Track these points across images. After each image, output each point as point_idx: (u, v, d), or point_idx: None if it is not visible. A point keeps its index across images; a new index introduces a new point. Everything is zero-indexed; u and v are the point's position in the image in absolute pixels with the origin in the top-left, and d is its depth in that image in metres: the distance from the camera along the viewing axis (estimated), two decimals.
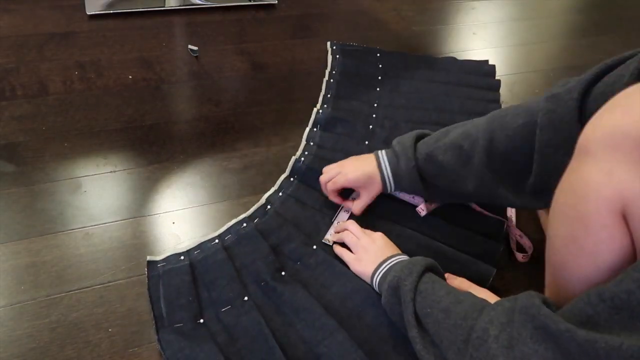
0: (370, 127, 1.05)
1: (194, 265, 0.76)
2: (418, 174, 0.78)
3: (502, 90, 1.22)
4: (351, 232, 0.80)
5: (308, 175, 0.92)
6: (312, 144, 1.01)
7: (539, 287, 0.80)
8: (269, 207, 0.87)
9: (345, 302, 0.73)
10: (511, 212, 0.90)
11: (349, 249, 0.79)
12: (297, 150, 0.99)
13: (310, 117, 1.08)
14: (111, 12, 1.35)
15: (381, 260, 0.72)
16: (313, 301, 0.72)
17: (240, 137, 1.04)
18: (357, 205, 0.84)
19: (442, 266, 0.71)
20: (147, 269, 0.75)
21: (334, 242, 0.82)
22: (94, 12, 1.33)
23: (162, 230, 0.84)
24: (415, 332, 0.61)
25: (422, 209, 0.86)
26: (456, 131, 0.76)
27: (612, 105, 0.47)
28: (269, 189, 0.91)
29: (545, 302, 0.50)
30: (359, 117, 1.08)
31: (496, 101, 1.17)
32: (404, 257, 0.72)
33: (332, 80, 1.19)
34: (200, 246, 0.80)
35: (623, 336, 0.42)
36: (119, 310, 0.72)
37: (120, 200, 0.87)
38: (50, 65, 1.15)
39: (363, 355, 0.66)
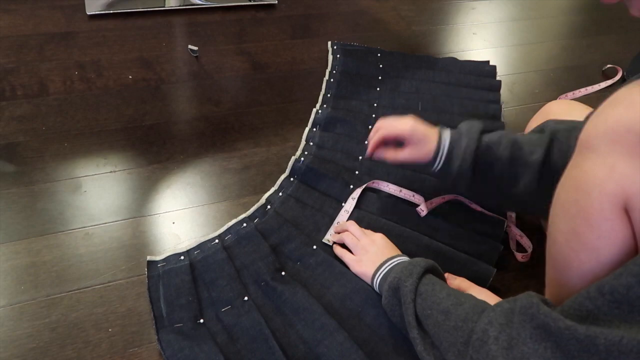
0: (370, 127, 1.05)
1: (194, 265, 0.76)
2: (473, 160, 0.74)
3: (502, 90, 1.22)
4: (351, 233, 0.79)
5: (308, 175, 0.92)
6: (311, 144, 1.01)
7: (539, 287, 0.80)
8: (269, 207, 0.87)
9: (345, 303, 0.73)
10: (511, 212, 0.90)
11: (349, 249, 0.79)
12: (297, 150, 0.99)
13: (310, 117, 1.08)
14: (111, 12, 1.35)
15: (381, 261, 0.72)
16: (313, 301, 0.72)
17: (240, 137, 1.04)
18: (400, 155, 0.79)
19: (442, 266, 0.71)
20: (147, 269, 0.75)
21: (334, 243, 0.82)
22: (94, 12, 1.33)
23: (162, 230, 0.84)
24: (416, 333, 0.61)
25: (422, 209, 0.86)
26: (517, 137, 0.75)
27: (614, 100, 0.48)
28: (269, 189, 0.91)
29: (544, 302, 0.50)
30: (358, 117, 1.08)
31: (496, 102, 1.17)
32: (405, 258, 0.72)
33: (332, 80, 1.19)
34: (200, 246, 0.80)
35: (623, 329, 0.42)
36: (119, 310, 0.72)
37: (120, 200, 0.87)
38: (50, 65, 1.15)
39: (363, 356, 0.66)
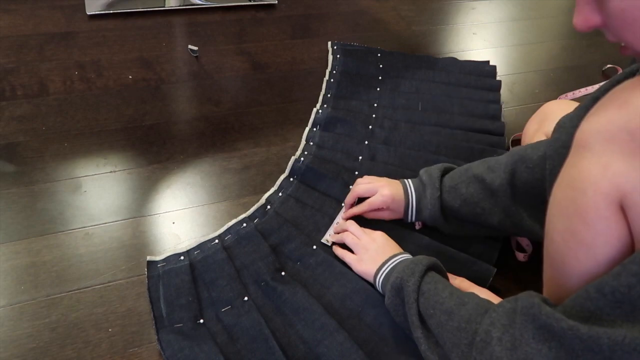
0: (370, 127, 1.05)
1: (194, 265, 0.76)
2: (440, 206, 0.78)
3: (502, 90, 1.22)
4: (351, 232, 0.80)
5: (308, 175, 0.92)
6: (311, 144, 1.01)
7: (540, 286, 0.80)
8: (268, 207, 0.87)
9: (345, 303, 0.73)
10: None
11: (349, 249, 0.79)
12: (297, 150, 0.99)
13: (310, 117, 1.08)
14: (111, 12, 1.35)
15: (383, 259, 0.72)
16: (313, 301, 0.72)
17: (240, 137, 1.04)
18: (380, 215, 0.83)
19: None
20: (147, 269, 0.75)
21: (334, 243, 0.82)
22: (94, 12, 1.33)
23: (162, 230, 0.84)
24: (419, 332, 0.61)
25: (418, 224, 0.85)
26: (479, 166, 0.77)
27: (608, 100, 0.48)
28: (269, 189, 0.91)
29: (545, 301, 0.50)
30: (358, 117, 1.08)
31: (496, 102, 1.17)
32: (406, 256, 0.72)
33: (332, 80, 1.19)
34: (200, 246, 0.80)
35: (626, 328, 0.42)
36: (119, 310, 0.72)
37: (120, 200, 0.87)
38: (50, 65, 1.15)
39: (363, 356, 0.66)
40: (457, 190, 0.77)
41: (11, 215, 0.83)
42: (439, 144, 1.00)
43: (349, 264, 0.77)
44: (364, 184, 0.84)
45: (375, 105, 1.12)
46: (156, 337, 0.67)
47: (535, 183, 0.69)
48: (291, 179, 0.93)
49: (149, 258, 0.77)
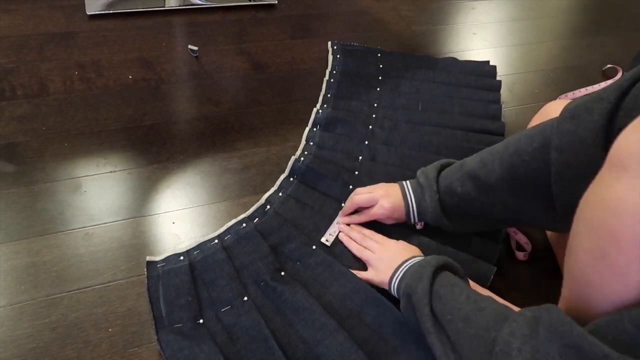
0: (370, 127, 1.05)
1: (194, 265, 0.76)
2: (440, 207, 0.77)
3: (502, 90, 1.22)
4: (367, 248, 0.79)
5: (308, 175, 0.92)
6: (311, 144, 1.01)
7: (539, 286, 0.81)
8: (268, 207, 0.87)
9: (345, 302, 0.73)
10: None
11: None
12: (297, 150, 0.99)
13: (310, 117, 1.08)
14: (111, 12, 1.35)
15: (397, 265, 0.71)
16: (313, 301, 0.72)
17: (240, 137, 1.04)
18: (385, 221, 0.83)
19: None
20: (147, 269, 0.75)
21: (336, 242, 0.81)
22: (94, 12, 1.33)
23: (162, 230, 0.84)
24: (433, 338, 0.60)
25: (420, 224, 0.85)
26: (472, 161, 0.75)
27: None
28: (269, 189, 0.91)
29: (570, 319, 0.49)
30: (359, 117, 1.08)
31: (497, 102, 1.17)
32: (418, 259, 0.71)
33: (332, 80, 1.19)
34: (199, 246, 0.80)
35: None
36: (119, 310, 0.72)
37: (120, 200, 0.87)
38: (50, 65, 1.15)
39: (363, 356, 0.66)
40: (452, 189, 0.76)
41: (11, 215, 0.83)
42: (439, 144, 1.00)
43: (364, 278, 0.75)
44: (363, 194, 0.83)
45: (376, 105, 1.12)
46: (156, 337, 0.67)
47: (532, 174, 0.67)
48: (291, 179, 0.93)
49: (148, 258, 0.77)
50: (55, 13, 1.33)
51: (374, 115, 1.09)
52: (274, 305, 0.72)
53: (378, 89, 1.17)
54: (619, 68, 1.35)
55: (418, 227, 0.84)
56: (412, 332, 0.68)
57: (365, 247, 0.79)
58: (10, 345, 0.67)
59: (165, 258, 0.77)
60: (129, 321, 0.71)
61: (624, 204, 0.45)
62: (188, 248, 0.79)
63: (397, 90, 1.17)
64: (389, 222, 0.83)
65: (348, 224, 0.84)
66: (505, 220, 0.76)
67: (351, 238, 0.82)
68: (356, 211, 0.85)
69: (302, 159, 0.96)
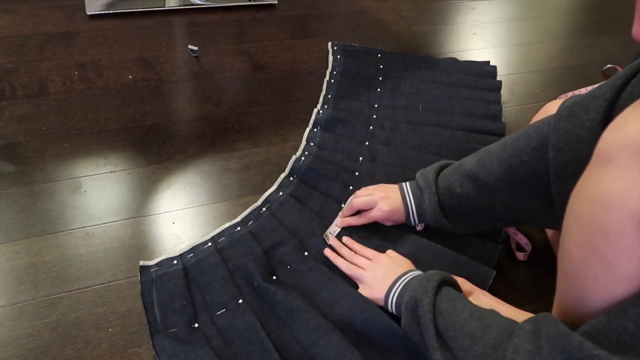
0: (371, 127, 1.05)
1: (187, 269, 0.76)
2: (440, 208, 0.77)
3: (502, 90, 1.22)
4: (356, 264, 0.77)
5: (308, 175, 0.92)
6: (312, 144, 1.01)
7: (539, 286, 0.81)
8: (264, 209, 0.87)
9: (333, 308, 0.72)
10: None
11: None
12: (297, 151, 0.99)
13: (310, 117, 1.08)
14: (111, 12, 1.35)
15: (392, 280, 0.70)
16: (307, 302, 0.72)
17: (240, 137, 1.04)
18: (384, 223, 0.83)
19: (441, 268, 0.70)
20: (140, 274, 0.75)
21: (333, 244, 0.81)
22: (94, 12, 1.33)
23: (162, 230, 0.84)
24: (438, 354, 0.59)
25: (420, 225, 0.84)
26: (470, 161, 0.75)
27: (636, 110, 0.46)
28: (269, 189, 0.91)
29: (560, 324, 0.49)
30: (359, 117, 1.08)
31: (497, 102, 1.17)
32: (416, 273, 0.70)
33: (332, 81, 1.19)
34: (193, 249, 0.79)
35: None
36: (119, 310, 0.72)
37: (120, 200, 0.87)
38: (50, 65, 1.15)
39: (359, 356, 0.65)
40: (451, 190, 0.76)
41: (11, 215, 0.83)
42: (439, 144, 1.00)
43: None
44: (362, 197, 0.82)
45: (376, 105, 1.12)
46: (151, 342, 0.67)
47: (531, 173, 0.66)
48: (291, 178, 0.93)
49: (141, 263, 0.76)
50: (55, 13, 1.33)
51: (374, 116, 1.09)
52: (268, 307, 0.72)
53: (378, 89, 1.17)
54: (619, 68, 1.35)
55: (418, 228, 0.84)
56: (401, 338, 0.67)
57: (356, 264, 0.77)
58: (10, 345, 0.67)
59: (158, 262, 0.77)
60: (129, 321, 0.71)
61: (610, 196, 0.45)
62: (181, 252, 0.79)
63: (398, 90, 1.17)
64: (389, 223, 0.83)
65: (347, 226, 0.84)
66: (505, 220, 0.76)
67: (340, 255, 0.80)
68: (356, 212, 0.85)
69: (302, 159, 0.96)
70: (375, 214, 0.81)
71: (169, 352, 0.65)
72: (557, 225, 0.64)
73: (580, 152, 0.57)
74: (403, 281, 0.69)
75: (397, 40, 1.42)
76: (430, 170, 0.80)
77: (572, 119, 0.59)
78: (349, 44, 1.34)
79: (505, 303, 0.70)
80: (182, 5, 1.41)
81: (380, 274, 0.73)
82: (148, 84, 1.14)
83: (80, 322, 0.70)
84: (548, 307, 0.60)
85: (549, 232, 0.88)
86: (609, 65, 1.37)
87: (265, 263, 0.77)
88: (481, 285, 0.74)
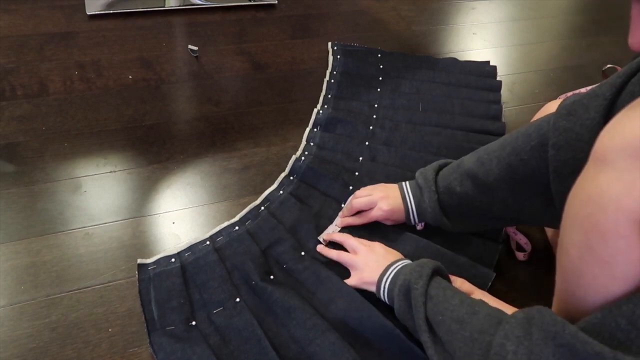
0: (371, 127, 1.05)
1: (185, 267, 0.76)
2: (440, 208, 0.77)
3: (502, 90, 1.22)
4: (348, 247, 0.78)
5: (308, 174, 0.92)
6: (312, 144, 1.01)
7: (539, 286, 0.81)
8: (262, 208, 0.87)
9: (329, 307, 0.72)
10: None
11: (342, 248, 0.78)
12: (297, 150, 0.99)
13: (310, 117, 1.08)
14: (111, 12, 1.35)
15: (385, 266, 0.71)
16: (304, 301, 0.72)
17: (240, 137, 1.04)
18: (384, 222, 0.84)
19: None
20: (138, 272, 0.75)
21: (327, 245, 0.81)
22: (94, 12, 1.33)
23: (162, 230, 0.84)
24: (426, 336, 0.60)
25: (420, 225, 0.85)
26: (470, 160, 0.75)
27: (632, 111, 0.46)
28: (268, 189, 0.91)
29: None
30: (359, 117, 1.08)
31: (497, 102, 1.17)
32: (408, 261, 0.71)
33: (332, 81, 1.19)
34: (191, 248, 0.79)
35: None
36: (119, 310, 0.72)
37: (120, 200, 0.87)
38: (50, 65, 1.15)
39: (355, 355, 0.66)
40: (451, 189, 0.76)
41: (11, 215, 0.83)
42: (439, 144, 1.00)
43: (353, 286, 0.74)
44: (362, 197, 0.83)
45: (376, 105, 1.12)
46: (148, 340, 0.67)
47: (531, 172, 0.66)
48: (291, 178, 0.93)
49: (139, 261, 0.76)
50: (55, 13, 1.33)
51: (374, 116, 1.09)
52: (266, 306, 0.72)
53: (378, 89, 1.17)
54: (618, 68, 1.35)
55: (418, 227, 0.84)
56: (396, 336, 0.68)
57: (347, 248, 0.78)
58: (10, 345, 0.67)
59: (156, 260, 0.77)
60: (129, 321, 0.71)
61: (606, 196, 0.46)
62: (179, 250, 0.79)
63: (398, 90, 1.17)
64: (389, 223, 0.83)
65: (347, 226, 0.84)
66: (505, 219, 0.76)
67: (335, 240, 0.81)
68: (356, 213, 0.85)
69: (302, 159, 0.96)
70: (375, 214, 0.81)
71: (166, 349, 0.65)
72: (557, 224, 0.64)
73: (580, 151, 0.57)
74: (396, 267, 0.70)
75: (397, 40, 1.42)
76: (429, 169, 0.80)
77: (572, 117, 0.59)
78: (349, 44, 1.34)
79: (505, 304, 0.70)
80: (182, 5, 1.41)
81: (372, 260, 0.74)
82: (148, 84, 1.14)
83: (80, 322, 0.70)
84: (548, 307, 0.60)
85: (549, 232, 0.88)
86: (609, 65, 1.37)
87: (263, 262, 0.77)
88: (481, 286, 0.74)
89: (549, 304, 0.60)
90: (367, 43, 1.36)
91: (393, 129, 1.05)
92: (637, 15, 0.46)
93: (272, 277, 0.76)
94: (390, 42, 1.40)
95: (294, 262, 0.78)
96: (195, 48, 1.25)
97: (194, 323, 0.69)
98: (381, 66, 1.25)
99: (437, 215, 0.78)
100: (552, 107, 0.95)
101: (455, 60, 1.29)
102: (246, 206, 0.88)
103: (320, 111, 1.08)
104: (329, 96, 1.14)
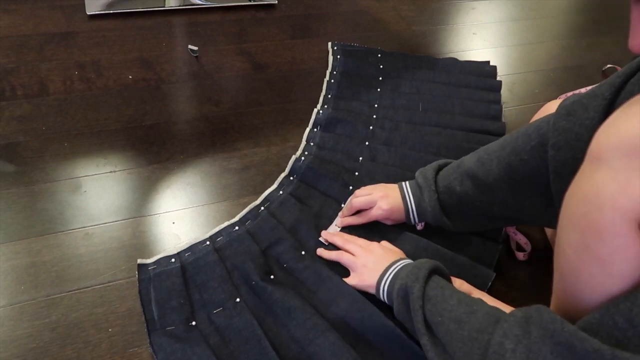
0: (371, 127, 1.05)
1: (185, 267, 0.76)
2: (440, 207, 0.77)
3: (502, 90, 1.22)
4: (348, 251, 0.78)
5: (308, 174, 0.92)
6: (312, 144, 1.01)
7: (539, 286, 0.81)
8: (262, 208, 0.87)
9: (330, 307, 0.72)
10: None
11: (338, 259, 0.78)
12: (297, 150, 0.99)
13: (310, 117, 1.08)
14: (111, 12, 1.35)
15: (384, 268, 0.71)
16: (304, 301, 0.72)
17: (240, 137, 1.04)
18: (385, 222, 0.83)
19: None
20: (138, 272, 0.75)
21: (327, 245, 0.81)
22: (94, 12, 1.33)
23: (162, 230, 0.84)
24: (425, 339, 0.60)
25: (420, 225, 0.84)
26: (470, 160, 0.75)
27: (628, 110, 0.46)
28: (268, 189, 0.91)
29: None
30: (359, 117, 1.08)
31: (497, 102, 1.17)
32: (407, 261, 0.71)
33: (332, 81, 1.19)
34: (191, 248, 0.79)
35: None
36: (119, 310, 0.72)
37: (120, 200, 0.87)
38: (50, 65, 1.15)
39: (355, 355, 0.66)
40: (451, 189, 0.76)
41: (11, 215, 0.83)
42: (439, 144, 1.00)
43: (353, 286, 0.74)
44: (362, 197, 0.82)
45: (376, 105, 1.12)
46: (148, 340, 0.67)
47: (531, 172, 0.67)
48: (291, 178, 0.93)
49: (139, 261, 0.76)
50: (55, 13, 1.33)
51: (374, 116, 1.09)
52: (266, 306, 0.72)
53: (378, 89, 1.17)
54: (618, 68, 1.35)
55: (419, 227, 0.84)
56: (397, 337, 0.68)
57: (347, 251, 0.78)
58: (10, 345, 0.67)
59: (156, 260, 0.77)
60: (129, 321, 0.71)
61: (602, 195, 0.46)
62: (179, 250, 0.79)
63: (398, 90, 1.17)
64: (389, 222, 0.83)
65: (347, 226, 0.84)
66: (505, 219, 0.76)
67: (334, 243, 0.81)
68: (356, 212, 0.85)
69: (302, 159, 0.96)
70: (374, 213, 0.81)
71: (166, 350, 0.65)
72: (557, 224, 0.64)
73: (580, 151, 0.57)
74: (394, 269, 0.69)
75: (397, 40, 1.42)
76: (429, 169, 0.80)
77: (571, 117, 0.59)
78: (349, 44, 1.34)
79: (504, 304, 0.70)
80: (182, 5, 1.41)
81: (371, 262, 0.73)
82: (148, 84, 1.14)
83: (80, 322, 0.70)
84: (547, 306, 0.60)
85: (549, 232, 0.88)
86: (608, 65, 1.37)
87: (263, 262, 0.77)
88: (480, 287, 0.74)
89: (548, 303, 0.60)
90: (367, 43, 1.36)
91: (393, 129, 1.05)
92: (637, 18, 0.46)
93: (272, 276, 0.76)
94: (390, 42, 1.40)
95: (294, 262, 0.78)
96: (195, 48, 1.25)
97: (194, 323, 0.69)
98: (381, 66, 1.25)
99: (437, 215, 0.78)
100: (552, 107, 0.95)
101: (455, 60, 1.29)
102: (246, 206, 0.88)
103: (320, 111, 1.09)
104: (329, 96, 1.14)
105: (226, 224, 0.84)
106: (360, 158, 0.97)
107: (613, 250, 0.47)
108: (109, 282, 0.75)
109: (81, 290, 0.74)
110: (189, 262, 0.77)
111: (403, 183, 0.82)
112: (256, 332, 0.68)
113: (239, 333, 0.68)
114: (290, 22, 1.44)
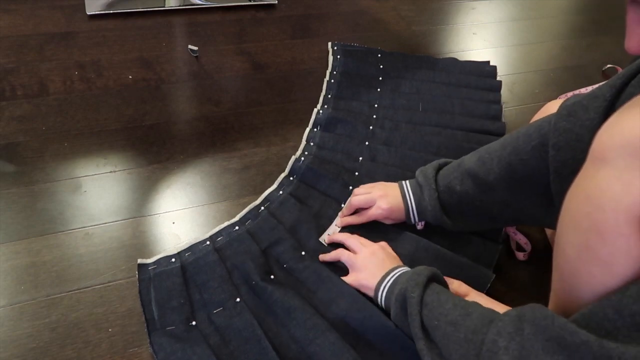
0: (371, 127, 1.05)
1: (185, 267, 0.76)
2: (440, 206, 0.77)
3: (502, 90, 1.22)
4: (349, 246, 0.78)
5: (308, 175, 0.92)
6: (312, 144, 1.01)
7: (539, 286, 0.81)
8: (262, 208, 0.87)
9: (330, 307, 0.72)
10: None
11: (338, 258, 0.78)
12: (297, 150, 0.99)
13: (310, 117, 1.08)
14: (111, 12, 1.35)
15: (383, 273, 0.71)
16: (304, 301, 0.72)
17: (240, 137, 1.04)
18: (384, 222, 0.83)
19: (440, 270, 0.69)
20: (138, 272, 0.75)
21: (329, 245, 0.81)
22: (94, 12, 1.33)
23: (162, 230, 0.84)
24: (422, 344, 0.60)
25: (420, 224, 0.84)
26: (470, 160, 0.75)
27: (631, 110, 0.46)
28: (268, 189, 0.91)
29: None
30: (359, 117, 1.08)
31: (497, 102, 1.17)
32: (406, 268, 0.71)
33: (332, 81, 1.19)
34: (191, 248, 0.79)
35: None
36: (119, 310, 0.72)
37: (120, 200, 0.87)
38: (50, 65, 1.15)
39: (355, 355, 0.66)
40: (451, 188, 0.76)
41: (11, 215, 0.83)
42: (439, 144, 1.00)
43: (350, 285, 0.74)
44: (361, 195, 0.82)
45: (376, 105, 1.12)
46: (148, 340, 0.67)
47: (531, 172, 0.67)
48: (291, 178, 0.93)
49: (139, 261, 0.76)
50: (55, 13, 1.33)
51: (374, 116, 1.09)
52: (266, 306, 0.72)
53: (378, 89, 1.17)
54: (619, 68, 1.35)
55: (419, 227, 0.84)
56: (397, 337, 0.68)
57: (349, 246, 0.78)
58: (10, 345, 0.67)
59: (156, 260, 0.77)
60: (129, 321, 0.71)
61: (605, 195, 0.46)
62: (179, 250, 0.79)
63: (398, 90, 1.17)
64: (388, 222, 0.83)
65: (347, 226, 0.84)
66: (505, 219, 0.76)
67: (336, 240, 0.81)
68: (356, 211, 0.85)
69: (302, 159, 0.96)
70: (374, 212, 0.81)
71: (166, 350, 0.65)
72: (557, 224, 0.64)
73: (580, 152, 0.57)
74: (394, 275, 0.69)
75: (397, 40, 1.42)
76: (429, 168, 0.80)
77: (572, 118, 0.59)
78: (349, 44, 1.34)
79: (502, 305, 0.70)
80: (182, 5, 1.41)
81: (372, 264, 0.73)
82: (148, 84, 1.14)
83: (80, 322, 0.70)
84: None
85: (549, 232, 0.88)
86: (609, 65, 1.37)
87: (263, 262, 0.77)
88: (480, 288, 0.74)
89: (548, 303, 0.60)
90: (367, 43, 1.36)
91: (393, 129, 1.05)
92: (633, 19, 0.46)
93: (272, 276, 0.76)
94: (390, 42, 1.40)
95: (294, 262, 0.78)
96: (195, 48, 1.25)
97: (194, 323, 0.69)
98: (381, 66, 1.25)
99: (437, 214, 0.78)
100: (552, 107, 0.95)
101: (455, 60, 1.29)
102: (246, 206, 0.88)
103: (320, 111, 1.09)
104: (329, 96, 1.14)
105: (226, 224, 0.84)
106: (360, 158, 0.97)
107: (615, 251, 0.46)
108: (109, 282, 0.75)
109: (81, 290, 0.74)
110: (189, 262, 0.77)
111: (403, 182, 0.82)
112: (256, 332, 0.68)
113: (239, 333, 0.68)
114: (290, 22, 1.44)
